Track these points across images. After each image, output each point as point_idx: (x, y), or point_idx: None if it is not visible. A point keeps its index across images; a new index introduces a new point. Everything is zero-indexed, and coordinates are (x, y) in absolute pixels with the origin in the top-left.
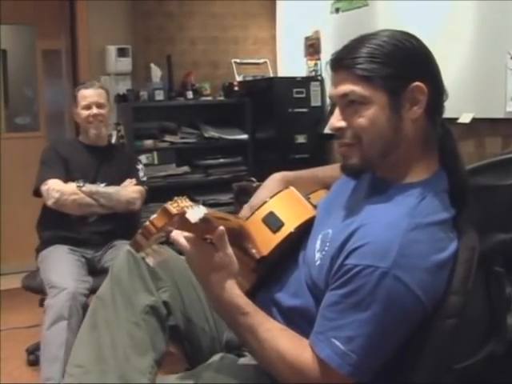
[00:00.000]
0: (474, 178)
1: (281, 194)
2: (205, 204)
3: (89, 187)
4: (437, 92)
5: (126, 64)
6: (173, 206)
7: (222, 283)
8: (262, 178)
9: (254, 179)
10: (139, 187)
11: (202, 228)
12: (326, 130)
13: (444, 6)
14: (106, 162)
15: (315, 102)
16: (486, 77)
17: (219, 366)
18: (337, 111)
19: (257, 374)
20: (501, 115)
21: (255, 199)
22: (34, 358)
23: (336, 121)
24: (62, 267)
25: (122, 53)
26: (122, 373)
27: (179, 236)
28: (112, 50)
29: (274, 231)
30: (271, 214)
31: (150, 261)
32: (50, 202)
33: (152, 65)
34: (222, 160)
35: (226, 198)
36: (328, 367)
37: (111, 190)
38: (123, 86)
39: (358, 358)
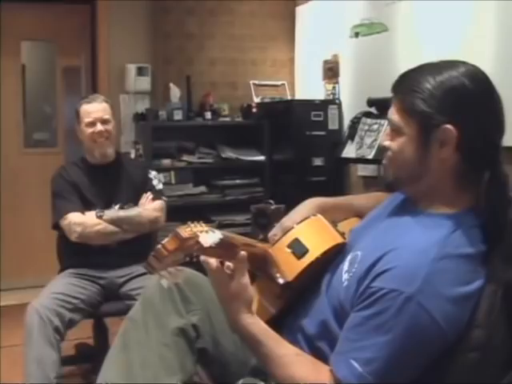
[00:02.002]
0: None
1: (308, 221)
2: (221, 224)
3: (109, 215)
4: (478, 138)
5: (145, 83)
6: (185, 231)
7: (237, 311)
8: (278, 200)
9: (271, 201)
10: (158, 202)
11: (222, 253)
12: (344, 154)
13: (464, 32)
14: (118, 180)
15: (333, 125)
16: (505, 104)
17: None
18: (387, 130)
19: None
20: None
21: (288, 220)
22: None
23: (384, 139)
24: (47, 289)
25: (141, 72)
26: None
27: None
28: (132, 68)
29: (299, 257)
30: (296, 240)
31: (164, 282)
32: (73, 237)
33: (171, 84)
34: (238, 181)
35: (242, 218)
36: None
37: (132, 212)
38: (142, 105)
39: (374, 381)
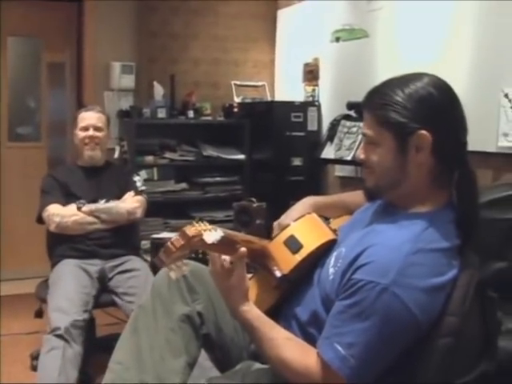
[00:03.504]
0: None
1: (303, 219)
2: (201, 221)
3: (88, 206)
4: (449, 140)
5: (129, 81)
6: (191, 229)
7: (235, 300)
8: (257, 198)
9: (253, 199)
10: (138, 197)
11: (224, 249)
12: (324, 155)
13: (441, 42)
14: (105, 181)
15: (312, 126)
16: (480, 112)
17: (245, 371)
18: (362, 144)
19: (276, 378)
20: (493, 149)
21: (285, 219)
22: (37, 363)
23: (360, 153)
24: (64, 299)
25: (126, 69)
26: (158, 372)
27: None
28: (116, 66)
29: (294, 252)
30: (292, 237)
31: (172, 274)
32: (52, 228)
33: (155, 83)
34: (218, 178)
35: (221, 215)
36: (330, 369)
37: (110, 204)
38: (125, 102)
39: (356, 363)
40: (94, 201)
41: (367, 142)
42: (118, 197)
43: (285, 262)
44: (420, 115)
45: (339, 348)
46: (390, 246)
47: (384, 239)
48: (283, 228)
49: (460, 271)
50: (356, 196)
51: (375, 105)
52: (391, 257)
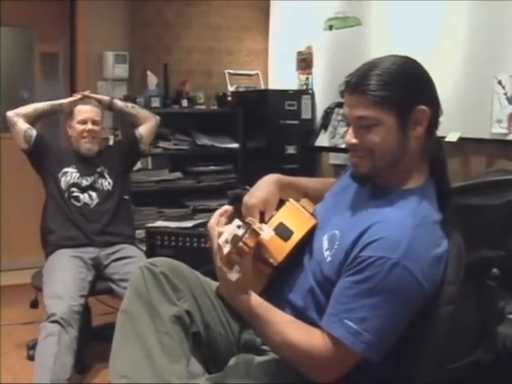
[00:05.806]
0: (464, 197)
1: (286, 207)
2: (195, 210)
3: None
4: (436, 112)
5: (122, 70)
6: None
7: (238, 291)
8: (251, 187)
9: (248, 187)
10: None
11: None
12: (318, 143)
13: (435, 30)
14: (101, 164)
15: (306, 114)
16: (473, 99)
17: (247, 364)
18: (351, 129)
19: (282, 369)
20: (486, 136)
21: (251, 198)
22: (33, 353)
23: (350, 138)
24: (59, 285)
25: (119, 59)
26: (163, 379)
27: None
28: (110, 55)
29: (286, 239)
30: (281, 224)
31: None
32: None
33: (149, 72)
34: (213, 167)
35: (215, 204)
36: (341, 346)
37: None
38: (119, 92)
39: (370, 337)
40: (91, 176)
41: (361, 125)
42: (120, 170)
43: (278, 250)
44: (417, 91)
45: (350, 323)
46: (395, 222)
47: (385, 217)
48: (269, 218)
49: (449, 243)
50: (318, 183)
51: (372, 86)
52: (398, 232)
